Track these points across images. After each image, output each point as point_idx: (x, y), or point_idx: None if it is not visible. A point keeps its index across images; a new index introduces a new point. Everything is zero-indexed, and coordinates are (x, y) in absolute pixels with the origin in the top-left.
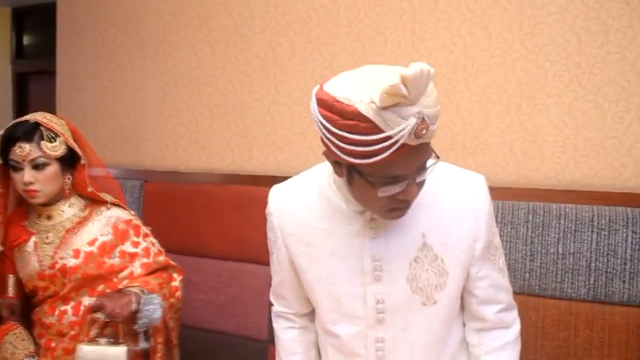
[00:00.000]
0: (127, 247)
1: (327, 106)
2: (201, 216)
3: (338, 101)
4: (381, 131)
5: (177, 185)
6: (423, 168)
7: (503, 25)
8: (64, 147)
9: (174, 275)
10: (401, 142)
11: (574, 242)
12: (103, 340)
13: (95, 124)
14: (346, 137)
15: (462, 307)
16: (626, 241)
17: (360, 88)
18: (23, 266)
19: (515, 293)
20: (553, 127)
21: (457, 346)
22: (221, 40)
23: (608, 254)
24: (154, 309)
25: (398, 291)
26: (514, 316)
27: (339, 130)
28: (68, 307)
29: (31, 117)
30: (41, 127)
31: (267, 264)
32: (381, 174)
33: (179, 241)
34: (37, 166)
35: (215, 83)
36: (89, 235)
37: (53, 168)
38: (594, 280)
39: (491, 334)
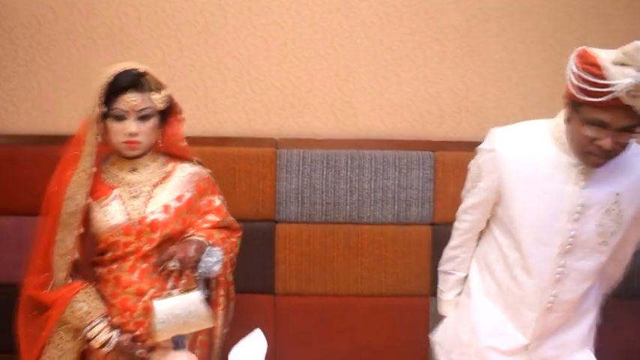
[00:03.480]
0: (203, 203)
1: (580, 55)
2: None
3: (587, 52)
4: (605, 78)
5: (23, 149)
6: (625, 131)
7: (324, 8)
8: (166, 100)
9: (234, 232)
10: (616, 93)
11: (382, 179)
12: (175, 292)
13: None
14: (581, 76)
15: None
16: (418, 176)
17: (608, 50)
18: (106, 220)
19: (339, 222)
20: (363, 90)
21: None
22: (106, 38)
23: (406, 187)
24: (214, 262)
25: (588, 231)
26: None
27: (579, 70)
28: (149, 265)
29: (136, 65)
30: (147, 77)
31: None
32: (592, 115)
33: (26, 204)
34: (142, 117)
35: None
36: (175, 190)
37: (155, 120)
38: (397, 208)
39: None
